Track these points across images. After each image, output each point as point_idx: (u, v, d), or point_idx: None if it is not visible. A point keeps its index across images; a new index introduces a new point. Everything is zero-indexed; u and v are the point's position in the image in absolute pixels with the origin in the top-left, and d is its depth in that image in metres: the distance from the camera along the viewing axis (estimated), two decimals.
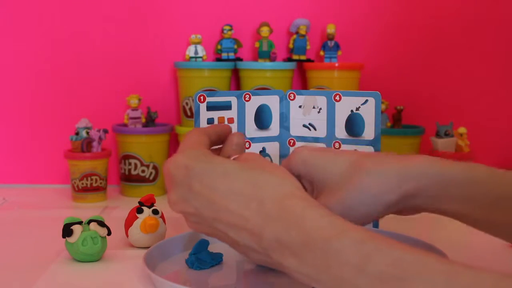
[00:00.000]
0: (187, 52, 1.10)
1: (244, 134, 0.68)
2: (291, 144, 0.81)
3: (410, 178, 0.53)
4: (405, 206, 0.55)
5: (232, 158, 0.54)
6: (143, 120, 1.10)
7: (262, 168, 0.50)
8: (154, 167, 1.07)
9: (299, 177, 0.57)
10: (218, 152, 0.57)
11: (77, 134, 1.03)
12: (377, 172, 0.53)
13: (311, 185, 0.58)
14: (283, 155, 0.80)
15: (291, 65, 1.09)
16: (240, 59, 1.12)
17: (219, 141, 0.58)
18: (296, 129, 0.80)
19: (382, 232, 0.75)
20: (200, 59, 1.09)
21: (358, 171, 0.54)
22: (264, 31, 1.10)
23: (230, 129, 0.59)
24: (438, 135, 1.07)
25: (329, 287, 0.43)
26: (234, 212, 0.48)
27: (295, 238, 0.44)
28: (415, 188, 0.53)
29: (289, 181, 0.49)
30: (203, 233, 0.52)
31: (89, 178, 1.02)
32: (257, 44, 1.11)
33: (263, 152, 0.80)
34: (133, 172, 1.07)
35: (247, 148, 0.77)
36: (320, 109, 0.78)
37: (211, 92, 0.76)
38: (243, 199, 0.48)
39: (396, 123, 1.12)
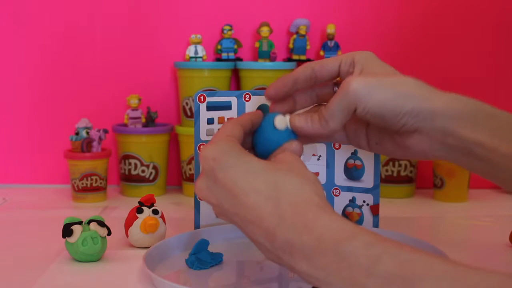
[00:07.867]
0: (187, 52, 1.10)
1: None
2: None
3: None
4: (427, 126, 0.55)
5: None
6: (143, 120, 1.10)
7: (288, 170, 0.50)
8: (154, 167, 1.07)
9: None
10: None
11: (77, 134, 1.03)
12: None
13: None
14: None
15: (291, 65, 1.09)
16: (240, 59, 1.11)
17: (253, 128, 0.59)
18: None
19: (383, 232, 0.75)
20: (200, 59, 1.09)
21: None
22: (264, 31, 1.10)
23: (261, 114, 0.60)
24: None
25: None
26: (251, 209, 0.49)
27: (307, 242, 0.45)
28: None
29: (309, 187, 0.49)
30: (228, 221, 0.53)
31: (89, 178, 1.02)
32: (257, 44, 1.11)
33: None
34: (133, 172, 1.07)
35: None
36: None
37: (211, 92, 0.76)
38: (261, 197, 0.48)
39: None
